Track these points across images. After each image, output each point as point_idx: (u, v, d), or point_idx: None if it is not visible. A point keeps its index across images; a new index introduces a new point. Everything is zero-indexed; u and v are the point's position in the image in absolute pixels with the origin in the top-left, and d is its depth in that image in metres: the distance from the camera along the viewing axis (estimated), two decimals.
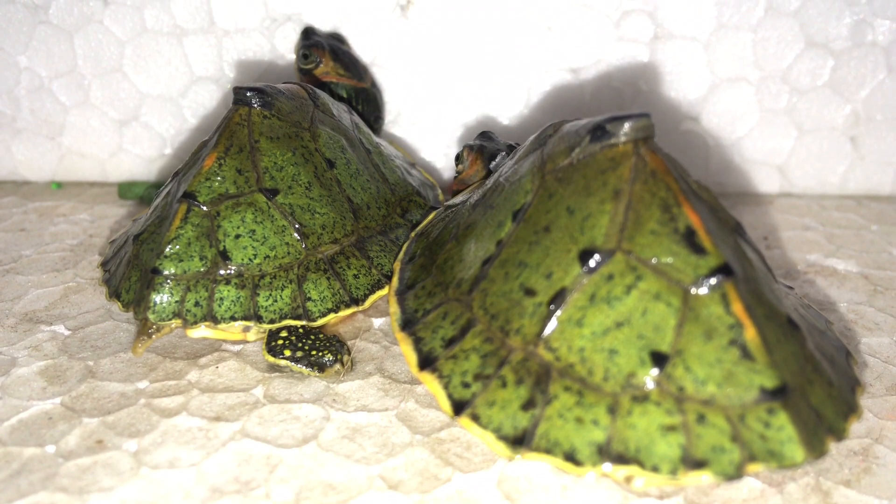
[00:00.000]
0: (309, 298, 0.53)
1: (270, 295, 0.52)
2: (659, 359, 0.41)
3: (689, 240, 0.42)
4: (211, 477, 0.43)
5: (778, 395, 0.40)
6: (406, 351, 0.48)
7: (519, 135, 0.79)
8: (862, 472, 0.44)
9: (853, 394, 0.45)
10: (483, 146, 0.61)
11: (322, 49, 0.70)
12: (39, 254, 0.68)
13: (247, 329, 0.53)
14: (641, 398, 0.41)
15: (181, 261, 0.51)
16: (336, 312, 0.53)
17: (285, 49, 0.77)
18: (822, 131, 0.79)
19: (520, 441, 0.42)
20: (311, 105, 0.60)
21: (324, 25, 0.76)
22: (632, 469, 0.40)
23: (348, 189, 0.58)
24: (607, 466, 0.40)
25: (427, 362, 0.47)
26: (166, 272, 0.51)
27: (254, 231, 0.53)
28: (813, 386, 0.42)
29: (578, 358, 0.43)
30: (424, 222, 0.59)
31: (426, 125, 0.80)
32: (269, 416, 0.48)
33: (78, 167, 0.83)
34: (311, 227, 0.54)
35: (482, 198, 0.54)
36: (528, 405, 0.43)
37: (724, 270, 0.42)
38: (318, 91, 0.62)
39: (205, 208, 0.53)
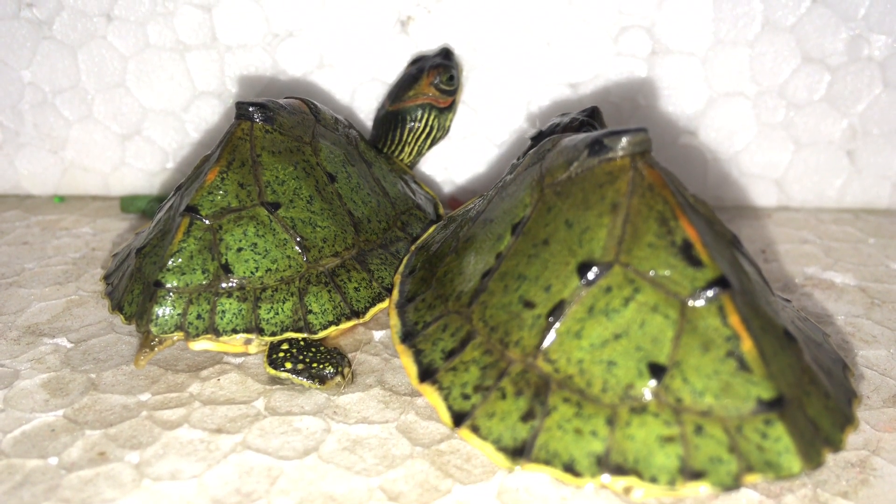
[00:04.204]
0: (310, 311, 0.53)
1: (272, 308, 0.52)
2: (657, 370, 0.41)
3: (686, 252, 0.43)
4: (212, 489, 0.43)
5: (775, 406, 0.40)
6: (406, 363, 0.48)
7: (518, 150, 0.80)
8: (859, 484, 0.44)
9: (850, 405, 0.45)
10: (557, 125, 0.60)
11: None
12: (42, 267, 0.69)
13: (248, 341, 0.53)
14: (640, 409, 0.41)
15: (183, 274, 0.52)
16: (337, 325, 0.54)
17: (287, 64, 0.78)
18: (819, 145, 0.80)
19: (519, 452, 0.42)
20: (312, 120, 0.61)
21: (325, 41, 0.77)
22: (630, 480, 0.40)
23: (349, 202, 0.58)
24: (606, 477, 0.40)
25: (427, 374, 0.47)
26: (169, 285, 0.52)
27: (255, 244, 0.53)
28: (810, 397, 0.43)
29: (577, 370, 0.43)
30: (424, 235, 0.60)
31: None
32: (271, 428, 0.48)
33: (81, 181, 0.84)
34: (313, 241, 0.55)
35: (482, 211, 0.54)
36: (527, 416, 0.43)
37: (720, 283, 0.42)
38: (319, 106, 0.63)
39: (207, 222, 0.53)
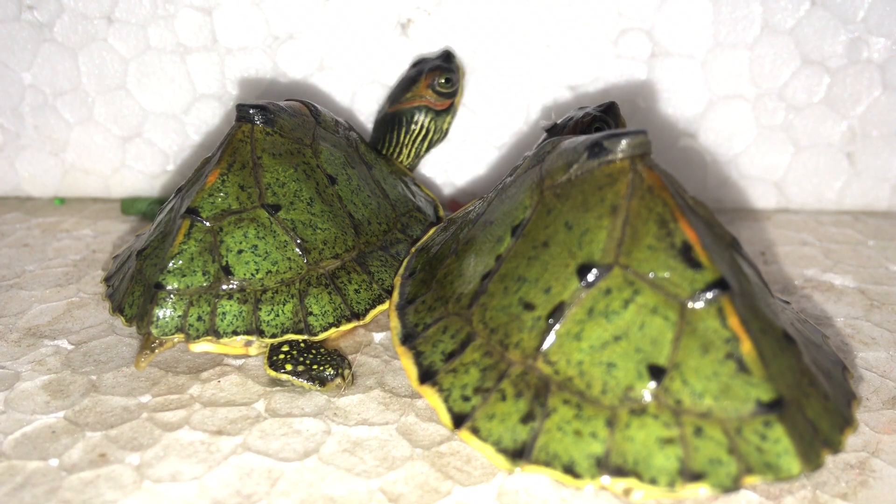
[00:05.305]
0: (310, 313, 0.53)
1: (272, 309, 0.52)
2: (656, 372, 0.42)
3: (686, 255, 0.43)
4: (213, 490, 0.44)
5: (774, 407, 0.40)
6: (406, 365, 0.49)
7: (518, 152, 0.80)
8: (859, 486, 0.44)
9: (849, 407, 0.45)
10: (571, 119, 0.60)
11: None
12: (43, 269, 0.69)
13: (249, 343, 0.53)
14: (639, 411, 0.41)
15: (184, 276, 0.52)
16: (337, 327, 0.54)
17: (287, 67, 0.78)
18: (818, 147, 0.80)
19: (519, 454, 0.42)
20: (312, 122, 0.61)
21: (325, 44, 0.77)
22: (630, 481, 0.40)
23: (349, 205, 0.59)
24: (606, 479, 0.40)
25: (427, 376, 0.47)
26: (169, 287, 0.52)
27: (256, 246, 0.53)
28: (809, 399, 0.43)
29: (577, 371, 0.43)
30: (425, 238, 0.60)
31: None
32: (271, 429, 0.49)
33: (81, 183, 0.84)
34: (313, 243, 0.55)
35: (481, 213, 0.54)
36: (527, 418, 0.43)
37: (720, 285, 0.42)
38: (319, 108, 0.63)
39: (208, 224, 0.53)
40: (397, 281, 0.56)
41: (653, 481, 0.40)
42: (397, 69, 0.77)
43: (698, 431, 0.40)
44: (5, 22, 0.77)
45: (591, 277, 0.44)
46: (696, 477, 0.39)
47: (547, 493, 0.44)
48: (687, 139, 0.80)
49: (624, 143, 0.46)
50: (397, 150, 0.70)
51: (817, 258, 0.72)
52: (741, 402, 0.40)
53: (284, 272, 0.54)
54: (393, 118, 0.70)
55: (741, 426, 0.40)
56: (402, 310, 0.53)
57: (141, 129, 0.81)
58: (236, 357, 0.56)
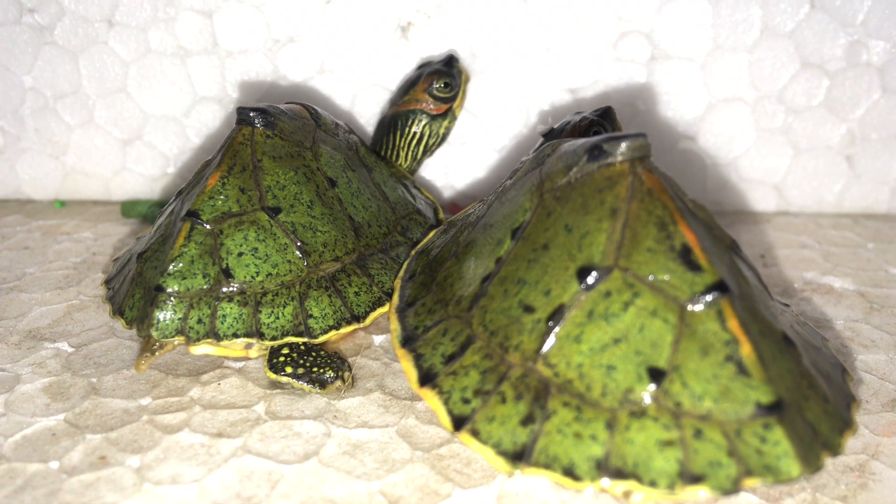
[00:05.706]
0: (310, 315, 0.53)
1: (272, 312, 0.52)
2: (656, 374, 0.42)
3: (685, 257, 0.43)
4: (213, 493, 0.44)
5: (773, 410, 0.40)
6: (406, 367, 0.49)
7: (518, 155, 0.80)
8: (858, 488, 0.44)
9: (849, 410, 0.45)
10: (568, 123, 0.60)
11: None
12: (43, 272, 0.69)
13: (249, 346, 0.53)
14: (639, 413, 0.41)
15: (184, 278, 0.52)
16: (337, 329, 0.54)
17: (288, 70, 0.78)
18: (818, 150, 0.80)
19: (519, 456, 0.42)
20: (313, 125, 0.61)
21: (326, 47, 0.77)
22: (630, 484, 0.40)
23: (349, 207, 0.59)
24: (606, 481, 0.41)
25: (427, 378, 0.47)
26: (170, 290, 0.52)
27: (256, 249, 0.53)
28: (808, 401, 0.43)
29: (577, 374, 0.43)
30: (425, 240, 0.60)
31: None
32: (271, 432, 0.49)
33: (82, 186, 0.84)
34: (313, 245, 0.55)
35: (482, 216, 0.54)
36: (527, 420, 0.43)
37: (719, 287, 0.42)
38: (319, 111, 0.63)
39: (208, 226, 0.54)
40: (397, 283, 0.56)
41: (652, 484, 0.40)
42: (398, 72, 0.78)
43: (698, 434, 0.40)
44: (6, 25, 0.78)
45: (590, 280, 0.44)
46: (695, 479, 0.40)
47: (547, 495, 0.44)
48: (686, 142, 0.80)
49: (623, 146, 0.46)
50: (394, 152, 0.70)
51: (817, 261, 0.72)
52: (741, 405, 0.40)
53: (285, 275, 0.54)
54: (390, 121, 0.70)
55: (741, 428, 0.40)
56: (402, 312, 0.53)
57: (141, 131, 0.81)
58: (236, 360, 0.56)
